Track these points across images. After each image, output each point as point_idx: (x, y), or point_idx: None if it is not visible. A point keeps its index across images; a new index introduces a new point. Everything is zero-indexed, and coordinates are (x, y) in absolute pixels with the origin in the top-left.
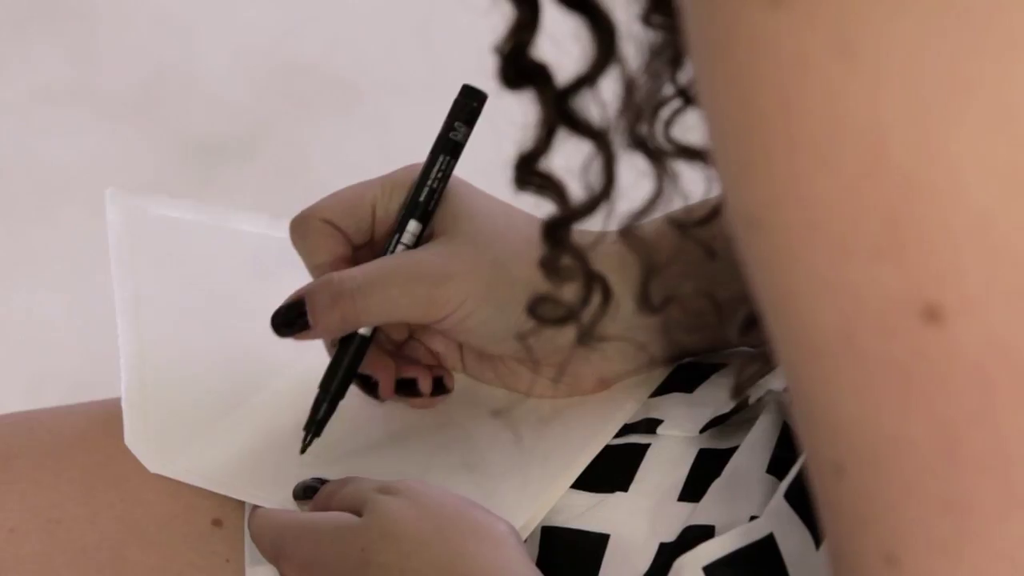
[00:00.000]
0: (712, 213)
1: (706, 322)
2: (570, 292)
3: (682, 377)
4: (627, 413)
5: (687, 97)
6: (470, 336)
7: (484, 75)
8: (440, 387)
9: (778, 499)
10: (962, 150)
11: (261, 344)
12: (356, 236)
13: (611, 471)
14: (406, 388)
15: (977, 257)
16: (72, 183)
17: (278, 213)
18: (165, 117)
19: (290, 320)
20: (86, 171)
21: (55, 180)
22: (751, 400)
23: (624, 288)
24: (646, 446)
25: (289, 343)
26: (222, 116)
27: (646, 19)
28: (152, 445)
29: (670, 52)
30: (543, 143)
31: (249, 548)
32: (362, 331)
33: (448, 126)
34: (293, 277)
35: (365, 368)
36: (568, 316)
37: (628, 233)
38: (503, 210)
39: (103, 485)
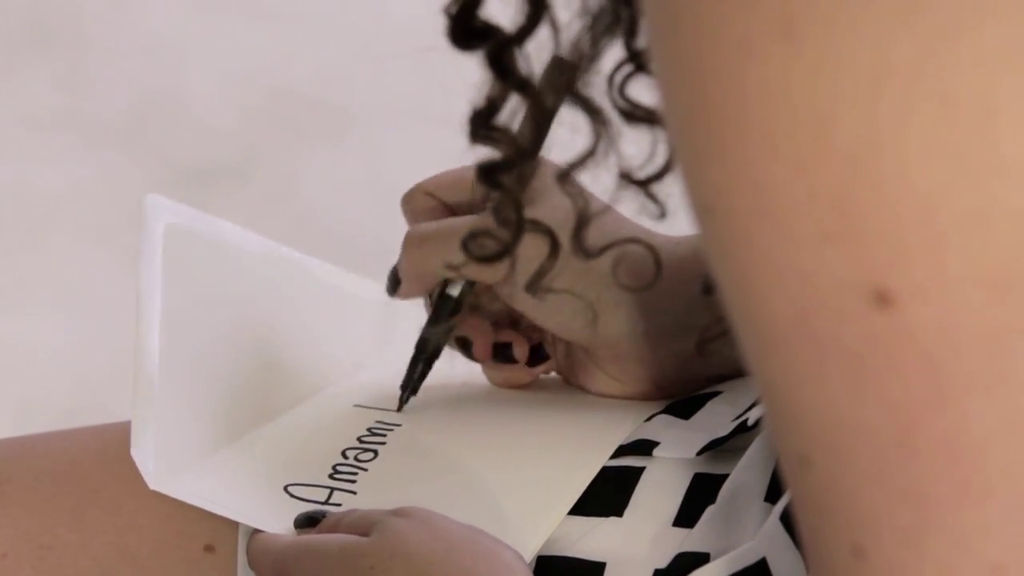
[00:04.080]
0: (664, 169)
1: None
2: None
3: (678, 405)
4: (623, 434)
5: (637, 61)
6: (522, 305)
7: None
8: (539, 355)
9: (773, 522)
10: (906, 135)
11: (278, 374)
12: (458, 210)
13: (605, 495)
14: (502, 354)
15: (923, 242)
16: (61, 210)
17: (267, 239)
18: (154, 143)
19: (391, 280)
20: (75, 198)
21: (44, 207)
22: (750, 423)
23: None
24: (641, 469)
25: (303, 375)
26: (212, 142)
27: None
28: (156, 460)
29: (610, 16)
30: (496, 101)
31: (243, 573)
32: (451, 291)
33: None
34: (321, 309)
35: (461, 331)
36: (500, 254)
37: (565, 180)
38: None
39: (95, 511)
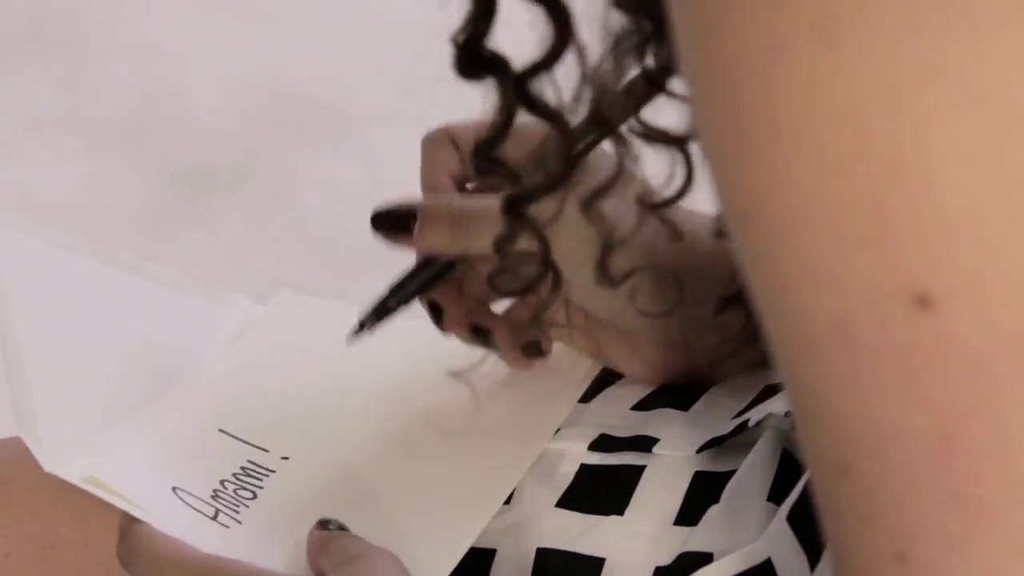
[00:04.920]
0: (677, 194)
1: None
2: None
3: (675, 394)
4: (515, 478)
5: (655, 83)
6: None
7: (477, 105)
8: (535, 350)
9: (779, 522)
10: (941, 135)
11: (154, 357)
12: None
13: (606, 493)
14: (481, 336)
15: (963, 243)
16: (61, 212)
17: (267, 241)
18: (155, 146)
19: (394, 223)
20: (75, 200)
21: (44, 209)
22: (751, 423)
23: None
24: (641, 468)
25: (176, 359)
26: (212, 145)
27: (616, 2)
28: (49, 441)
29: (636, 37)
30: (501, 131)
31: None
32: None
33: None
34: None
35: (437, 296)
36: (526, 289)
37: (588, 208)
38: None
39: (97, 509)
